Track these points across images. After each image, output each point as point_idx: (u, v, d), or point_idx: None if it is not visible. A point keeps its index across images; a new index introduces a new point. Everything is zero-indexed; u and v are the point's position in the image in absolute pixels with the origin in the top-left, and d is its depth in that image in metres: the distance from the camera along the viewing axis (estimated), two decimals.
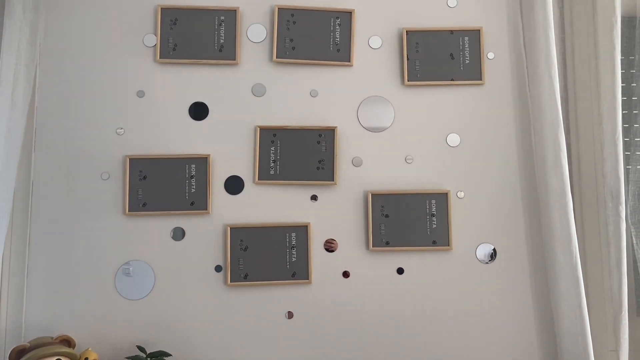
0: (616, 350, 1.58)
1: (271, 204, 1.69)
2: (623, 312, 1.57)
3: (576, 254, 1.56)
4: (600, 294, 1.66)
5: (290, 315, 1.66)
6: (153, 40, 1.71)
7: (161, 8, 1.70)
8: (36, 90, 1.67)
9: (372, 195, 1.68)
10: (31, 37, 1.61)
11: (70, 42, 1.70)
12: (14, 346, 1.46)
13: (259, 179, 1.69)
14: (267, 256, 1.66)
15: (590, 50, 1.70)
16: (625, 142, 1.64)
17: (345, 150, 1.71)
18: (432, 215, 1.69)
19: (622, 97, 1.62)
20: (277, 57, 1.71)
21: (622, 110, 1.62)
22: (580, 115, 1.72)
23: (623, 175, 1.60)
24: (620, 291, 1.58)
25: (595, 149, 1.68)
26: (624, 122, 1.64)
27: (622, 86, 1.63)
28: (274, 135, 1.70)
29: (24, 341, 1.54)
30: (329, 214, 1.69)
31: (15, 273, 1.62)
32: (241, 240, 1.66)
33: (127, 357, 1.52)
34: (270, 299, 1.66)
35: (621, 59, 1.63)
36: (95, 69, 1.69)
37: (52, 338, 1.52)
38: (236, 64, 1.71)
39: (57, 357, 1.45)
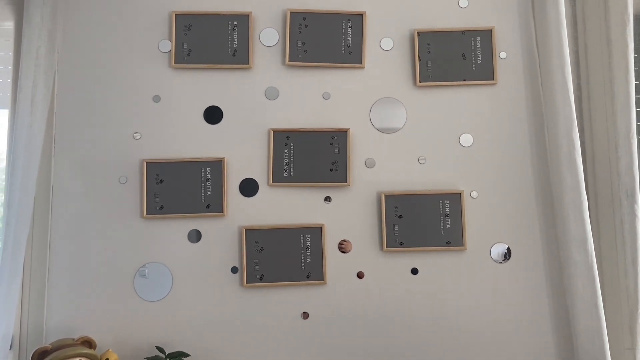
0: (633, 348, 1.58)
1: (285, 206, 1.71)
2: (639, 311, 1.57)
3: (592, 252, 1.56)
4: (616, 292, 1.65)
5: (305, 315, 1.68)
6: (168, 46, 1.73)
7: (175, 14, 1.73)
8: (55, 96, 1.70)
9: (386, 196, 1.69)
10: (50, 45, 1.64)
11: (87, 49, 1.73)
12: (36, 348, 1.48)
13: (273, 181, 1.70)
14: (282, 257, 1.68)
15: (603, 49, 1.69)
16: (639, 140, 1.64)
17: (358, 151, 1.73)
18: (446, 215, 1.69)
19: (635, 94, 1.62)
20: (289, 61, 1.73)
21: (637, 108, 1.62)
22: (594, 114, 1.72)
23: (638, 174, 1.60)
24: (636, 289, 1.58)
25: (610, 147, 1.67)
26: (638, 120, 1.63)
27: (635, 84, 1.62)
28: (288, 137, 1.72)
29: (46, 343, 1.57)
30: (342, 215, 1.71)
31: (37, 276, 1.65)
32: (256, 242, 1.68)
33: (146, 358, 1.54)
34: (285, 299, 1.67)
35: (634, 57, 1.63)
36: (112, 75, 1.72)
37: (73, 339, 1.54)
38: (249, 68, 1.73)
39: (78, 358, 1.46)
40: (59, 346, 1.50)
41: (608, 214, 1.68)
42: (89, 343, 1.54)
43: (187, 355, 1.57)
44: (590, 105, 1.73)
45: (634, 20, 1.62)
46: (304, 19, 1.74)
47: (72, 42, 1.73)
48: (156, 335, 1.64)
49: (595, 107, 1.72)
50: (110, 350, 1.55)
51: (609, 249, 1.68)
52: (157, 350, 1.58)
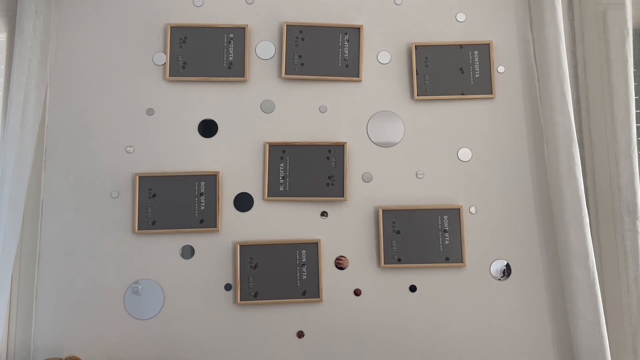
0: None
1: (281, 221, 1.68)
2: None
3: (593, 269, 1.53)
4: (619, 310, 1.62)
5: (300, 334, 1.63)
6: (163, 58, 1.71)
7: (171, 27, 1.71)
8: (46, 109, 1.68)
9: (383, 211, 1.66)
10: (42, 57, 1.62)
11: (80, 61, 1.71)
12: None
13: (268, 196, 1.67)
14: (277, 274, 1.64)
15: (602, 63, 1.68)
16: None
17: (355, 165, 1.70)
18: (445, 231, 1.66)
19: (636, 109, 1.61)
20: (286, 74, 1.71)
21: (637, 123, 1.61)
22: (594, 129, 1.70)
23: (639, 189, 1.58)
24: (638, 307, 1.55)
25: (610, 162, 1.65)
26: (638, 134, 1.62)
27: (635, 99, 1.61)
28: (283, 151, 1.69)
29: None
30: (339, 230, 1.68)
31: (24, 293, 1.61)
32: (251, 258, 1.64)
33: None
34: (280, 317, 1.64)
35: (634, 71, 1.62)
36: (105, 88, 1.70)
37: (60, 359, 1.52)
38: (245, 81, 1.72)
39: None
40: None
41: (609, 230, 1.66)
42: None
43: None
44: (589, 120, 1.71)
45: (633, 34, 1.62)
46: (301, 32, 1.73)
47: (64, 55, 1.71)
48: (147, 354, 1.60)
49: (595, 122, 1.70)
50: None
51: (611, 266, 1.65)
52: None
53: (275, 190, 1.68)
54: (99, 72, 1.71)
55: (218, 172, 1.67)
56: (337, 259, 1.67)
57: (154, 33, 1.73)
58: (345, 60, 1.73)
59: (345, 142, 1.69)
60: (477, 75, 1.73)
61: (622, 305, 1.62)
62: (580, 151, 1.60)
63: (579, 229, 1.54)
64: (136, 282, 1.63)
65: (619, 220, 1.62)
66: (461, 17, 1.77)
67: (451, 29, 1.76)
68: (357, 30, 1.74)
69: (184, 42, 1.71)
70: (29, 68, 1.59)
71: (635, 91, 1.61)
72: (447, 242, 1.66)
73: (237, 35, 1.72)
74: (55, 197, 1.65)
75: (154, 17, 1.73)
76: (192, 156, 1.69)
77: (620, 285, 1.63)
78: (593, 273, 1.53)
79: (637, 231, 1.57)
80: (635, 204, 1.58)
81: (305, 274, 1.65)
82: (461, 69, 1.74)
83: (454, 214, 1.67)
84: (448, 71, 1.74)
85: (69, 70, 1.70)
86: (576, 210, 1.55)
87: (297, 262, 1.65)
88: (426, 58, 1.74)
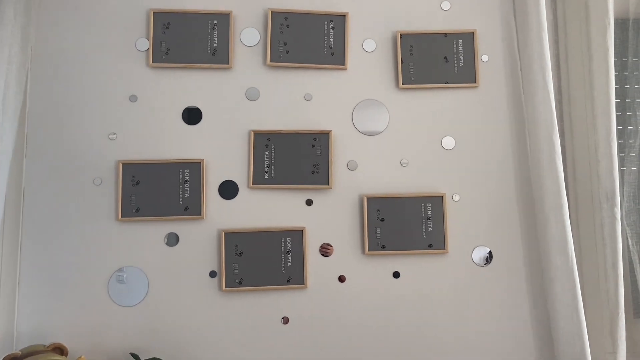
0: (613, 352, 1.59)
1: (266, 209, 1.68)
2: (620, 314, 1.58)
3: (572, 256, 1.56)
4: (597, 296, 1.66)
5: (285, 320, 1.65)
6: (146, 44, 1.70)
7: (154, 12, 1.69)
8: (27, 95, 1.65)
9: (368, 199, 1.67)
10: (22, 42, 1.59)
11: (62, 46, 1.68)
12: (5, 354, 1.43)
13: (253, 184, 1.68)
14: (262, 261, 1.65)
15: (584, 53, 1.70)
16: (619, 144, 1.65)
17: (340, 154, 1.71)
18: (428, 218, 1.68)
19: (616, 98, 1.63)
20: (271, 61, 1.71)
21: (616, 112, 1.63)
22: (575, 117, 1.73)
23: (618, 177, 1.61)
24: (616, 293, 1.59)
25: (590, 150, 1.68)
26: (618, 123, 1.65)
27: (615, 88, 1.64)
28: (268, 139, 1.69)
29: (16, 349, 1.52)
30: (324, 218, 1.69)
31: (7, 280, 1.60)
32: (236, 246, 1.64)
33: None
34: (265, 304, 1.65)
35: (614, 61, 1.64)
36: (87, 74, 1.68)
37: (44, 346, 1.51)
38: (230, 68, 1.71)
39: None
40: (29, 352, 1.45)
41: (588, 217, 1.69)
42: (60, 350, 1.51)
43: None
44: (570, 109, 1.74)
45: (614, 24, 1.64)
46: (286, 19, 1.72)
47: (45, 40, 1.68)
48: (131, 341, 1.60)
49: (576, 111, 1.73)
50: (83, 357, 1.50)
51: (590, 252, 1.68)
52: (131, 357, 1.54)
53: (260, 178, 1.68)
54: (81, 57, 1.68)
55: (202, 160, 1.66)
56: (321, 246, 1.68)
57: (136, 18, 1.70)
58: (331, 48, 1.73)
59: (330, 131, 1.69)
60: (462, 64, 1.74)
61: (600, 290, 1.65)
62: (560, 139, 1.62)
63: (558, 216, 1.57)
64: (120, 269, 1.62)
65: (597, 208, 1.65)
66: (446, 5, 1.77)
67: (436, 17, 1.77)
68: (342, 17, 1.73)
69: (167, 27, 1.70)
70: (10, 53, 1.55)
71: (615, 80, 1.63)
72: (430, 229, 1.68)
73: (222, 21, 1.71)
74: (37, 184, 1.64)
75: (136, 2, 1.71)
76: (176, 143, 1.68)
77: (598, 271, 1.66)
78: (572, 259, 1.56)
79: (615, 218, 1.60)
80: (613, 192, 1.60)
81: (290, 261, 1.66)
82: (446, 57, 1.75)
83: (437, 201, 1.69)
84: (433, 60, 1.74)
85: (51, 55, 1.68)
86: (556, 197, 1.57)
87: (282, 250, 1.66)
88: (411, 46, 1.74)
